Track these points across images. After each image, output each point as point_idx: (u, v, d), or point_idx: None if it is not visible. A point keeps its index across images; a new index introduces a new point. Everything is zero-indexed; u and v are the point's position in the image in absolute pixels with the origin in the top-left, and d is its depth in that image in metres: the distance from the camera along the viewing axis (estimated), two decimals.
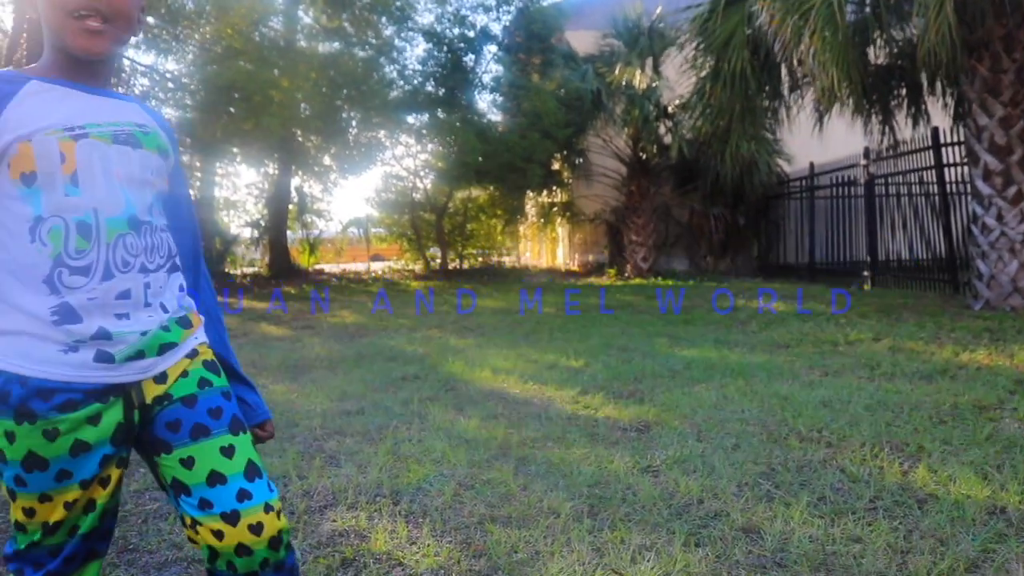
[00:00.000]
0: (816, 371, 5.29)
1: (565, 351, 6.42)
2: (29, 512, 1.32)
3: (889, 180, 11.58)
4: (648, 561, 2.34)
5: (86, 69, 1.39)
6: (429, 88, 15.94)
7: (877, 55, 10.43)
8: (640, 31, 15.63)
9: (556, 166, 17.50)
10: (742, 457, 3.34)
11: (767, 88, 11.46)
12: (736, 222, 16.15)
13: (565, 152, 16.76)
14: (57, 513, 1.33)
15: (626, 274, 15.93)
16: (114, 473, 1.38)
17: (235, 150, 15.93)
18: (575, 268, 18.84)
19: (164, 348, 1.36)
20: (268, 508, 1.37)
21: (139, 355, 1.32)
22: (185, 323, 1.41)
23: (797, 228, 15.03)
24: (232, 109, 13.27)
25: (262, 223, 18.67)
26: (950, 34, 7.25)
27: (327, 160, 17.53)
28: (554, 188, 18.16)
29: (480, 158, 14.83)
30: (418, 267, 19.53)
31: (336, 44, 15.65)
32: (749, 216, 16.20)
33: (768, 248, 16.36)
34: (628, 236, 16.26)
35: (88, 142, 1.30)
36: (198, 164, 16.68)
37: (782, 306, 9.31)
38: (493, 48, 16.79)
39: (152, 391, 1.36)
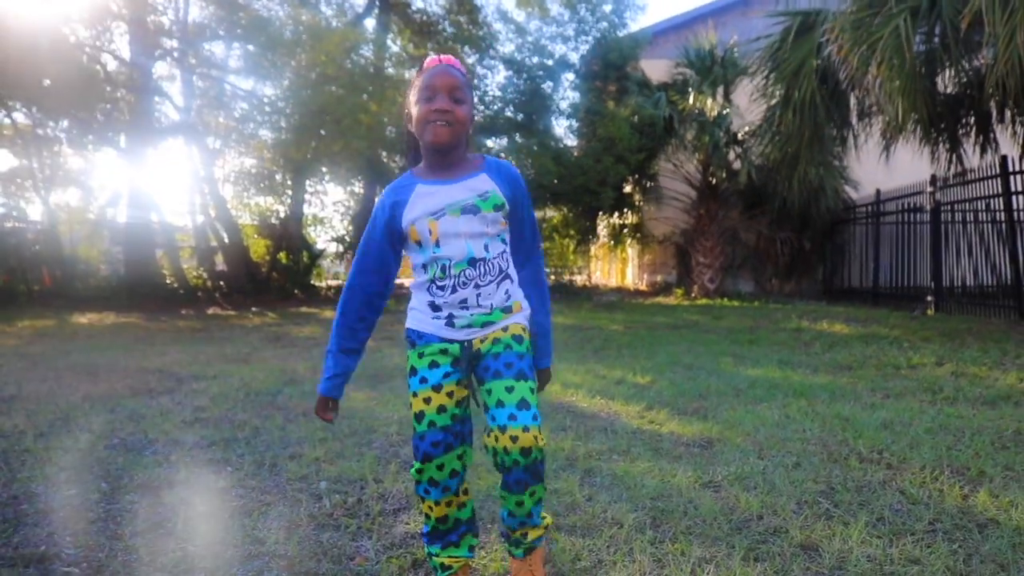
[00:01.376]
0: (878, 393, 5.30)
1: (632, 367, 6.55)
2: (416, 411, 2.18)
3: (955, 207, 11.71)
4: (707, 574, 2.68)
5: (444, 164, 2.17)
6: (508, 113, 16.54)
7: (945, 84, 10.54)
8: (713, 60, 16.06)
9: (628, 189, 17.89)
10: (802, 475, 3.35)
11: (835, 116, 11.74)
12: (802, 246, 16.40)
13: (637, 176, 17.18)
14: (419, 406, 2.18)
15: (693, 294, 16.25)
16: (455, 390, 2.18)
17: (324, 169, 16.78)
18: (643, 288, 19.24)
19: (486, 324, 2.19)
20: (525, 428, 2.07)
21: (469, 326, 2.18)
22: (506, 310, 2.21)
23: (862, 253, 15.19)
24: (323, 131, 13.92)
25: (347, 238, 19.56)
26: (1019, 63, 7.34)
27: None
28: (625, 210, 18.55)
29: (556, 180, 15.34)
30: None
31: None
32: (815, 240, 16.43)
33: (833, 272, 16.54)
34: (696, 258, 16.60)
35: (446, 219, 2.13)
36: (289, 182, 17.64)
37: (845, 329, 9.45)
38: (570, 76, 17.38)
39: (477, 345, 2.19)
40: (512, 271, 2.25)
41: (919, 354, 7.04)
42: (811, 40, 10.86)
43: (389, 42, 17.17)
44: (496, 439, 2.09)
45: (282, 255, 17.97)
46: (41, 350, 7.96)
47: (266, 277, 17.46)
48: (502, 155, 16.90)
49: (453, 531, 2.25)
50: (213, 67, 15.75)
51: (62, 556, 2.56)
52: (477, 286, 2.16)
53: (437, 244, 2.13)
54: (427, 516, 2.23)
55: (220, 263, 18.00)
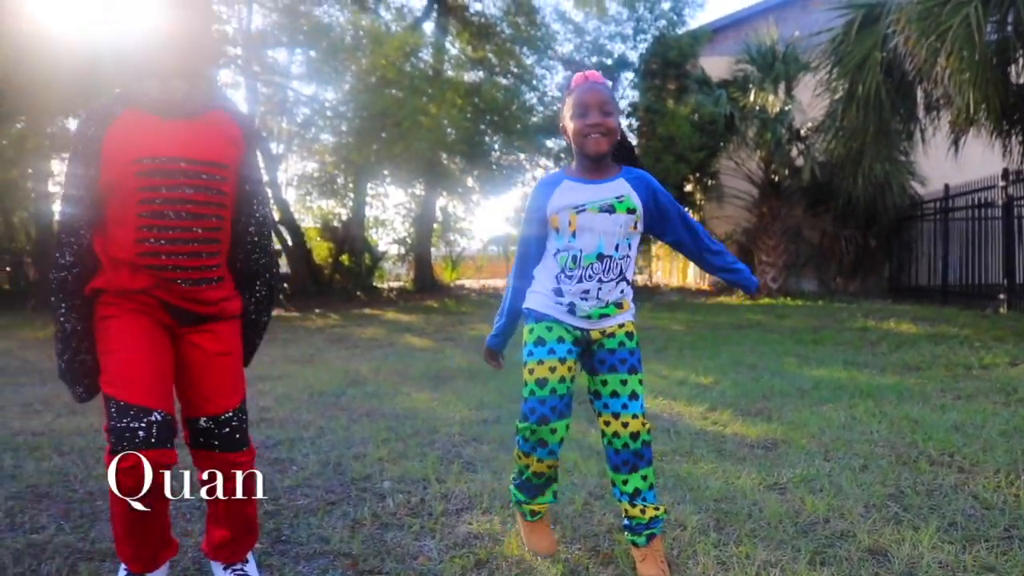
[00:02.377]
0: (948, 394, 5.20)
1: (695, 368, 6.55)
2: (538, 378, 2.43)
3: None
4: None
5: (593, 168, 2.46)
6: None
7: (1018, 74, 10.30)
8: (774, 56, 15.83)
9: (689, 188, 17.75)
10: (870, 478, 3.31)
11: (901, 110, 11.48)
12: (867, 243, 16.08)
13: (698, 174, 17.04)
14: (544, 371, 2.42)
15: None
16: (573, 366, 2.46)
17: (385, 172, 16.98)
18: (705, 287, 19.05)
19: (602, 316, 2.47)
20: (635, 416, 2.43)
21: (587, 317, 2.45)
22: (619, 306, 2.49)
23: (930, 250, 14.83)
24: (384, 134, 14.08)
25: (408, 240, 19.77)
26: None
27: (470, 181, 18.41)
28: (687, 209, 18.39)
29: None
30: None
31: (480, 73, 16.55)
32: (881, 238, 16.10)
33: (900, 270, 16.18)
34: (759, 256, 16.39)
35: (585, 214, 2.40)
36: (351, 185, 17.89)
37: (913, 328, 9.27)
38: (629, 75, 17.33)
39: (595, 336, 2.48)
40: (630, 274, 2.52)
41: (991, 354, 6.87)
42: (875, 32, 10.64)
43: (448, 45, 17.31)
44: (608, 423, 2.45)
45: (344, 257, 18.23)
46: None
47: (329, 279, 17.74)
48: (562, 156, 16.94)
49: (544, 485, 2.55)
50: (276, 73, 16.04)
51: None
52: (600, 281, 2.43)
53: (573, 235, 2.41)
54: (523, 469, 2.53)
55: (284, 265, 18.33)
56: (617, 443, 2.44)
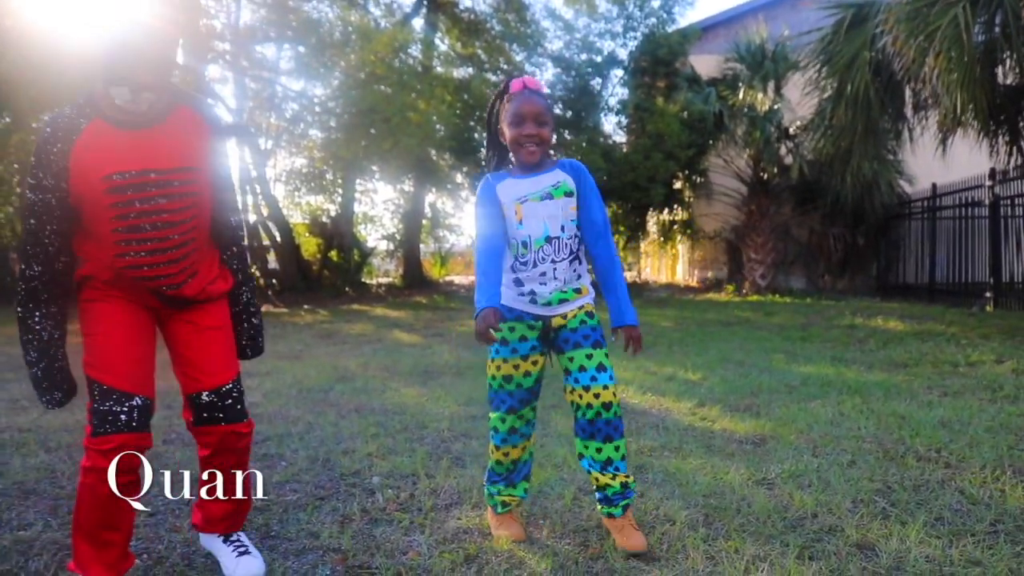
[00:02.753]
0: (935, 391, 5.21)
1: (683, 364, 6.52)
2: (504, 374, 2.62)
3: (1016, 201, 11.47)
4: (761, 572, 2.36)
5: (530, 167, 2.60)
6: (557, 110, 16.57)
7: (1005, 75, 10.33)
8: (763, 55, 15.86)
9: (678, 185, 17.80)
10: (857, 474, 3.32)
11: (889, 109, 11.51)
12: (855, 242, 16.17)
13: (687, 172, 17.08)
14: (508, 369, 2.62)
15: (744, 291, 16.11)
16: (538, 359, 2.66)
17: (374, 168, 16.96)
18: (694, 284, 19.11)
19: (562, 302, 2.63)
20: (604, 387, 2.56)
21: (548, 304, 2.61)
22: (577, 291, 2.65)
23: (917, 248, 14.90)
24: (373, 130, 14.06)
25: (397, 236, 19.75)
26: None
27: (459, 178, 18.37)
28: (675, 206, 18.44)
29: (605, 177, 15.29)
30: None
31: (470, 69, 16.54)
32: (869, 236, 16.17)
33: (887, 268, 16.26)
34: (747, 254, 16.45)
35: (528, 204, 2.58)
36: (340, 181, 17.85)
37: (901, 325, 9.31)
38: (619, 72, 17.35)
39: (556, 323, 2.63)
40: (582, 254, 2.67)
41: (978, 351, 6.90)
42: (864, 32, 10.67)
43: (437, 41, 17.30)
44: (580, 396, 2.57)
45: (333, 253, 18.20)
46: None
47: (317, 275, 17.70)
48: (550, 154, 16.89)
49: (517, 472, 2.75)
50: (264, 69, 15.98)
51: None
52: (553, 261, 2.58)
53: (520, 223, 2.58)
54: (499, 462, 2.72)
55: (272, 261, 18.28)
56: (590, 413, 2.56)
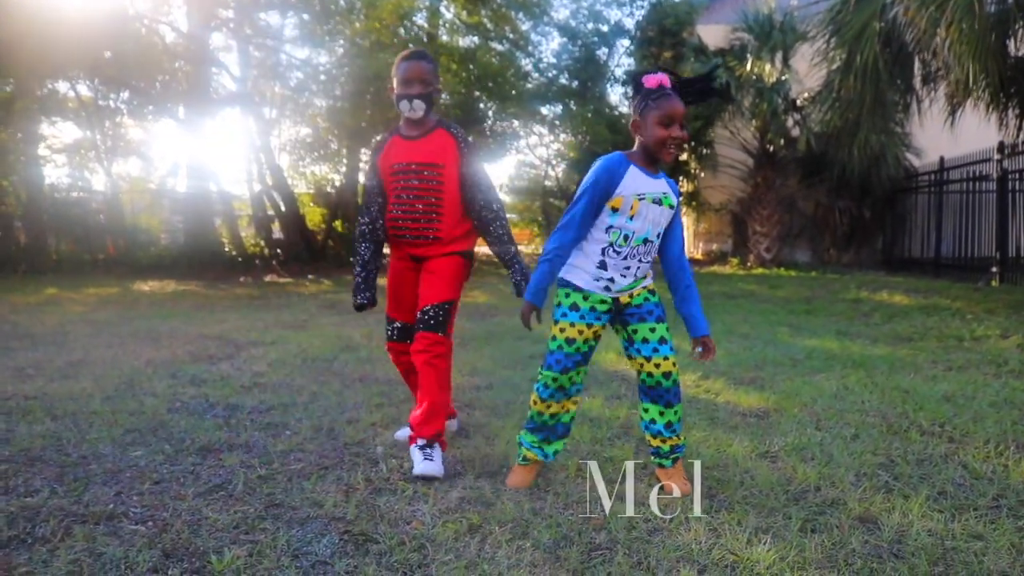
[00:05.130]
0: (939, 365, 5.22)
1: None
2: (568, 337, 2.79)
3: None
4: (764, 544, 2.37)
5: (655, 165, 2.81)
6: (563, 80, 16.49)
7: (1018, 47, 10.23)
8: (771, 25, 15.70)
9: (684, 157, 17.70)
10: (861, 447, 3.33)
11: (898, 81, 11.42)
12: (862, 215, 16.10)
13: (693, 143, 17.01)
14: (574, 333, 2.79)
15: (749, 264, 16.09)
16: (598, 330, 2.83)
17: (379, 137, 16.87)
18: (699, 256, 19.07)
19: (633, 287, 2.83)
20: (665, 358, 2.83)
21: (620, 291, 2.81)
22: (646, 280, 2.87)
23: (924, 222, 14.84)
24: (377, 99, 14.01)
25: None
26: None
27: None
28: (681, 178, 18.38)
29: (611, 148, 15.14)
30: None
31: (475, 38, 16.39)
32: (875, 209, 16.10)
33: (893, 242, 16.19)
34: (752, 226, 16.40)
35: (644, 202, 2.74)
36: (344, 151, 17.78)
37: (906, 300, 9.29)
38: (625, 42, 17.27)
39: (624, 300, 2.85)
40: (670, 255, 2.92)
41: (983, 326, 6.90)
42: (875, 3, 10.53)
43: (443, 9, 17.07)
44: (642, 365, 2.85)
45: (337, 223, 18.16)
46: (106, 317, 8.17)
47: (322, 245, 17.67)
48: (557, 122, 16.83)
49: (553, 430, 2.92)
50: (269, 37, 15.88)
51: (129, 515, 2.64)
52: (640, 260, 2.81)
53: (631, 218, 2.74)
54: (540, 412, 2.88)
55: (277, 231, 18.25)
56: (651, 381, 2.84)
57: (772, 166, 16.27)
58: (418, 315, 3.24)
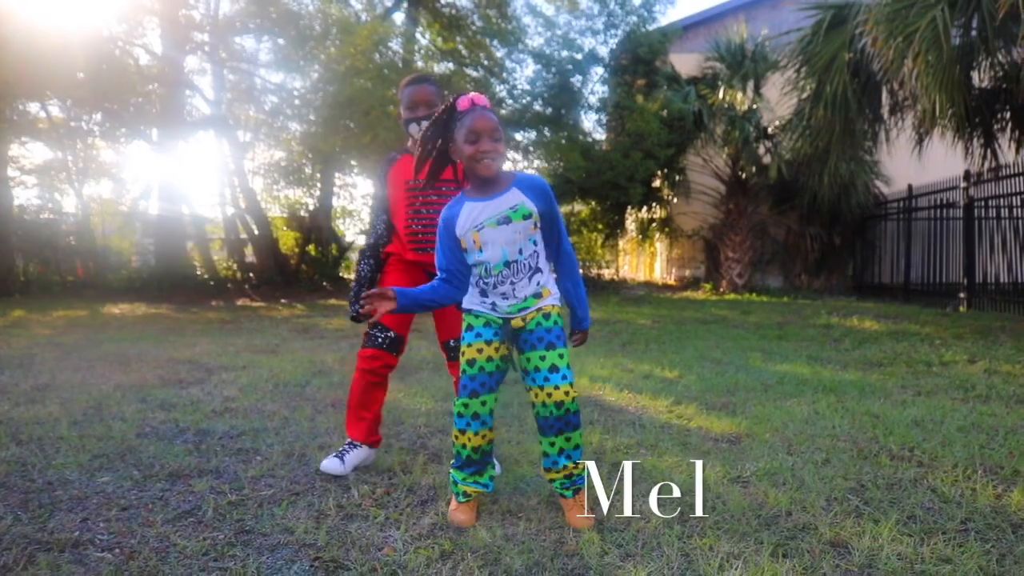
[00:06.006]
0: (909, 391, 5.26)
1: (660, 362, 6.53)
2: (468, 358, 2.81)
3: (989, 203, 11.63)
4: (736, 569, 2.36)
5: (487, 184, 2.72)
6: (537, 107, 16.51)
7: (982, 78, 10.43)
8: (743, 54, 15.95)
9: (656, 183, 17.84)
10: (832, 472, 3.35)
11: (867, 110, 11.62)
12: (832, 242, 16.32)
13: (666, 170, 17.11)
14: (473, 353, 2.81)
15: (721, 289, 16.21)
16: (500, 347, 2.81)
17: (353, 162, 16.84)
18: (672, 282, 19.19)
19: (522, 309, 2.78)
20: (556, 387, 2.73)
21: (508, 312, 2.78)
22: (537, 296, 2.80)
23: (893, 249, 15.06)
24: (352, 124, 13.93)
25: None
26: None
27: None
28: (654, 204, 18.50)
29: (584, 175, 15.29)
30: None
31: (450, 65, 16.44)
32: (845, 236, 16.33)
33: (863, 268, 16.42)
34: (725, 252, 16.55)
35: (485, 231, 2.70)
36: (318, 175, 17.75)
37: (876, 325, 9.38)
38: (599, 70, 17.33)
39: (517, 324, 2.80)
40: (542, 264, 2.80)
41: (951, 351, 6.97)
42: (844, 33, 10.76)
43: (418, 35, 17.19)
44: (536, 395, 2.78)
45: (311, 247, 18.09)
46: (74, 340, 8.07)
47: (295, 269, 17.59)
48: (531, 149, 16.91)
49: (480, 462, 2.87)
50: (243, 61, 15.85)
51: (96, 542, 2.59)
52: (512, 283, 2.76)
53: (480, 250, 2.72)
54: (463, 448, 2.85)
55: (250, 255, 18.15)
56: (543, 411, 2.77)
57: (744, 193, 16.45)
58: (451, 343, 3.44)
